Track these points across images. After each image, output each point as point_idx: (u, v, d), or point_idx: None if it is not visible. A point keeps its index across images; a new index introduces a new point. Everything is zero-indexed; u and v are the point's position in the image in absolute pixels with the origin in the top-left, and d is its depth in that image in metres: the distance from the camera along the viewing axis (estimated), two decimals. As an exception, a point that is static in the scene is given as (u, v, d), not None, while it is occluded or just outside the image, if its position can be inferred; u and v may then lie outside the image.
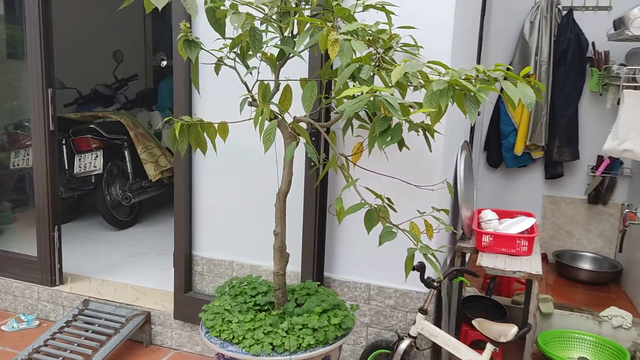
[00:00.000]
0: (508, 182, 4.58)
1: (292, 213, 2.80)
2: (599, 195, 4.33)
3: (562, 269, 4.20)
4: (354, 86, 1.70)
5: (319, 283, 2.37)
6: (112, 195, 4.78)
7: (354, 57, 1.68)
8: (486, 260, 2.87)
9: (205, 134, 2.08)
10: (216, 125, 2.08)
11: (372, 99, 1.53)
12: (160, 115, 5.67)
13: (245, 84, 2.07)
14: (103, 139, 4.63)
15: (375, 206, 1.87)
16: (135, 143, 4.85)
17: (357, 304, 2.39)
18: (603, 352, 3.16)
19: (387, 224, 1.83)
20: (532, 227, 3.08)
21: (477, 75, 1.77)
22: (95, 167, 4.53)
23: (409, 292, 2.73)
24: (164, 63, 5.58)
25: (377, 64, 1.78)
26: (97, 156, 4.55)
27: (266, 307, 2.16)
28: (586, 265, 4.26)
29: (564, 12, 4.19)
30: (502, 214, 3.30)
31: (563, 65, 4.14)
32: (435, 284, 2.60)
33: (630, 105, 3.52)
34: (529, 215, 3.26)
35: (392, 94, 1.53)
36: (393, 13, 1.94)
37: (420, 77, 1.70)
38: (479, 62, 3.73)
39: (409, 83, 1.72)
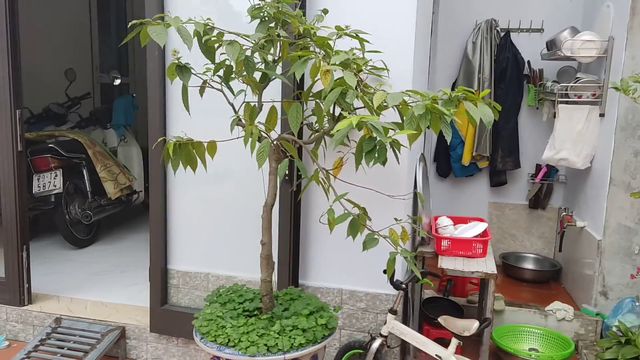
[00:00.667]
0: (456, 191, 4.91)
1: (275, 223, 2.98)
2: (538, 201, 4.72)
3: (508, 270, 4.54)
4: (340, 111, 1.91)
5: (301, 289, 2.54)
6: (72, 214, 4.77)
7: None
8: (446, 263, 3.12)
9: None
10: (205, 144, 2.22)
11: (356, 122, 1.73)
12: (115, 133, 5.68)
13: (232, 105, 2.24)
14: (62, 157, 4.63)
15: (356, 215, 2.07)
16: (94, 161, 4.86)
17: (339, 305, 2.57)
18: (550, 343, 3.48)
19: (370, 232, 2.02)
20: (484, 231, 3.37)
21: (442, 97, 2.01)
22: (55, 186, 4.52)
23: (379, 294, 2.94)
24: (118, 81, 5.64)
25: (358, 88, 1.99)
26: (56, 175, 4.54)
27: (255, 312, 2.31)
28: (529, 265, 4.63)
29: (502, 34, 4.57)
30: (456, 220, 3.57)
31: (503, 82, 4.51)
32: (404, 285, 2.83)
33: (565, 118, 3.91)
34: (481, 220, 3.55)
35: (377, 120, 1.74)
36: (367, 41, 2.15)
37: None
38: (428, 79, 4.03)
39: (384, 105, 1.93)
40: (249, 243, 3.06)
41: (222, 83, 2.26)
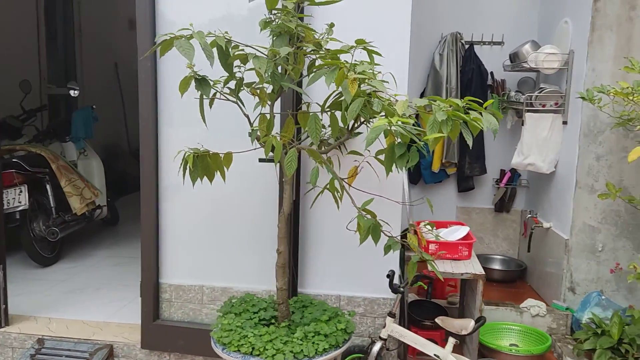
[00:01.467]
0: (426, 196, 5.06)
1: (264, 233, 3.02)
2: (503, 204, 4.96)
3: (477, 271, 4.74)
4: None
5: (309, 296, 2.58)
6: (36, 232, 4.59)
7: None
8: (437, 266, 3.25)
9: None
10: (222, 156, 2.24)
11: (392, 127, 1.81)
12: (74, 146, 5.50)
13: (247, 116, 2.27)
14: (26, 172, 4.45)
15: (375, 222, 2.15)
16: (58, 176, 4.70)
17: (353, 310, 2.62)
18: (528, 338, 3.67)
19: (390, 237, 2.11)
20: (467, 234, 3.53)
21: (450, 107, 2.13)
22: (20, 202, 4.34)
23: (377, 299, 3.02)
24: (76, 93, 5.49)
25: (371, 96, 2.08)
26: (21, 191, 4.36)
27: (272, 321, 2.33)
28: (497, 266, 4.85)
29: (467, 46, 4.79)
30: (437, 225, 3.71)
31: (469, 92, 4.71)
32: (401, 289, 2.92)
33: (531, 126, 4.15)
34: (461, 224, 3.70)
35: (411, 124, 1.83)
36: (379, 54, 2.24)
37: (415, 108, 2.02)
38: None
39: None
40: (244, 253, 3.10)
41: (232, 95, 2.28)
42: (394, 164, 1.94)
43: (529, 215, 4.56)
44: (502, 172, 4.93)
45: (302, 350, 2.10)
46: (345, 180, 2.27)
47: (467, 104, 2.13)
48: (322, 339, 2.17)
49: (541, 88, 4.18)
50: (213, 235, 3.12)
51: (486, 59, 4.79)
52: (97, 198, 5.11)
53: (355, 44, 2.12)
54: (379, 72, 2.38)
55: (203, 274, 3.17)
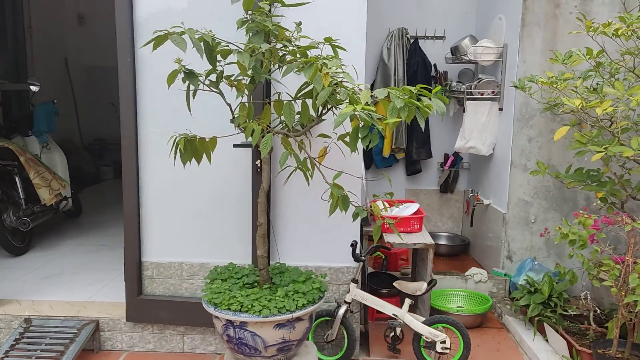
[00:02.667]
0: (378, 180, 5.47)
1: (238, 212, 3.33)
2: (447, 185, 5.44)
3: (426, 247, 5.20)
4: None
5: (284, 263, 2.93)
6: (7, 222, 4.72)
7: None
8: (391, 238, 3.65)
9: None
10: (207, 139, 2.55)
11: (357, 113, 2.18)
12: (37, 140, 5.61)
13: (229, 105, 2.58)
14: (-5, 165, 4.58)
15: (343, 193, 2.51)
16: (27, 168, 4.84)
17: (324, 274, 2.97)
18: (473, 301, 4.14)
19: (357, 206, 2.48)
20: (418, 210, 3.95)
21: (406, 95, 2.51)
22: (-10, 194, 4.47)
23: (341, 268, 3.38)
24: (36, 88, 5.60)
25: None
26: (-9, 183, 4.50)
27: (254, 285, 2.66)
28: (443, 241, 5.32)
29: (412, 40, 5.22)
30: (390, 203, 4.12)
31: (414, 83, 5.05)
32: (363, 258, 3.30)
33: (471, 112, 4.62)
34: (412, 202, 4.12)
35: (373, 111, 2.19)
36: (344, 49, 2.59)
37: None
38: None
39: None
40: (220, 232, 3.41)
41: (213, 86, 2.59)
42: (357, 144, 2.31)
43: (471, 194, 5.04)
44: (446, 156, 5.41)
45: (284, 305, 2.45)
46: (316, 159, 2.62)
47: (418, 90, 2.52)
48: (301, 296, 2.51)
49: (479, 78, 4.65)
50: (191, 216, 3.39)
51: (430, 52, 5.24)
52: (65, 189, 5.26)
53: (324, 41, 2.46)
54: (343, 65, 2.74)
55: (182, 252, 3.44)
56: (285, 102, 2.51)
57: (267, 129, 2.52)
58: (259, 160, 3.20)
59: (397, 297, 3.94)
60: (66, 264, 4.56)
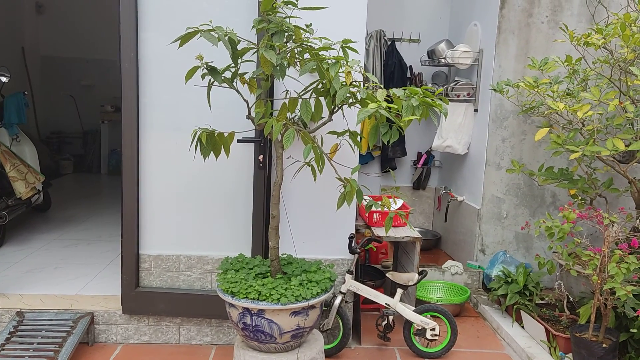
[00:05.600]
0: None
1: (237, 206, 3.41)
2: (419, 183, 5.67)
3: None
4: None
5: (291, 255, 3.04)
6: (-19, 216, 4.61)
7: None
8: (379, 232, 3.82)
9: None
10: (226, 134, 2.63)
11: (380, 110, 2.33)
12: (7, 132, 5.46)
13: (246, 101, 2.68)
14: (-30, 158, 4.46)
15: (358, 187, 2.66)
16: (2, 161, 4.74)
17: (332, 263, 3.10)
18: (451, 292, 4.37)
19: (369, 198, 2.63)
20: (403, 205, 4.14)
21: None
22: (-34, 187, 4.35)
23: (336, 260, 3.52)
24: (5, 79, 5.47)
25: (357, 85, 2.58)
26: (-33, 176, 4.38)
27: (267, 275, 2.76)
28: (416, 236, 5.54)
29: (389, 43, 5.41)
30: (375, 199, 4.28)
31: (392, 84, 5.35)
32: (358, 250, 3.45)
33: (448, 113, 4.84)
34: (396, 197, 4.30)
35: (394, 109, 2.35)
36: (356, 51, 2.72)
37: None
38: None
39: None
40: (218, 225, 3.48)
41: (227, 83, 2.67)
42: (374, 140, 2.47)
43: (444, 191, 5.29)
44: (419, 155, 5.64)
45: (300, 294, 2.56)
46: (327, 155, 2.75)
47: (424, 93, 2.69)
48: (315, 285, 2.64)
49: (456, 81, 4.89)
50: (189, 209, 3.44)
51: (405, 54, 5.45)
52: (39, 183, 5.16)
53: (340, 42, 2.60)
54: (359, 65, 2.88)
55: (180, 245, 3.48)
56: (301, 99, 2.63)
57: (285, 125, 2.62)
58: (261, 156, 3.30)
59: (381, 289, 4.13)
60: (45, 259, 4.49)
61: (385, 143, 2.55)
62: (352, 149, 2.89)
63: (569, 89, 3.72)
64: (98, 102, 8.98)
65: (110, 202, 6.64)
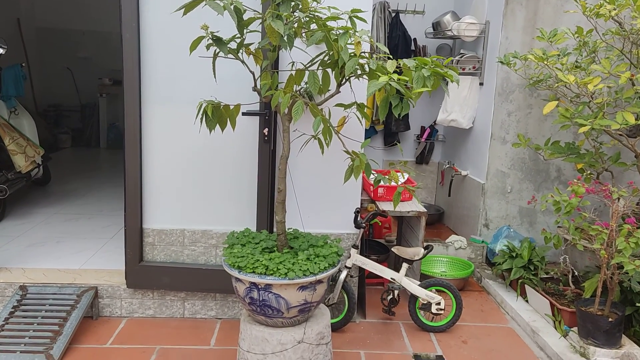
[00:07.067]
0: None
1: (241, 179, 3.37)
2: (423, 157, 5.63)
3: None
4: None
5: (297, 229, 3.01)
6: (-19, 190, 4.56)
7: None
8: (385, 206, 3.79)
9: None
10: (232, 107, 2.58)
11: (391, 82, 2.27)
12: (5, 105, 5.38)
13: (252, 73, 2.61)
14: (-32, 131, 4.39)
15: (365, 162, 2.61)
16: (1, 134, 4.67)
17: (339, 238, 3.07)
18: (455, 266, 4.36)
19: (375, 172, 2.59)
20: (408, 180, 4.10)
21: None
22: (-35, 160, 4.30)
23: (342, 234, 3.50)
24: (2, 51, 5.36)
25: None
26: (-34, 150, 4.32)
27: (273, 249, 2.74)
28: (419, 211, 5.52)
29: (393, 14, 5.31)
30: (382, 173, 4.24)
31: (395, 57, 5.23)
32: (363, 225, 3.42)
33: (453, 86, 4.77)
34: (398, 171, 4.26)
35: (407, 80, 2.29)
36: (364, 20, 2.65)
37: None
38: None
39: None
40: (222, 199, 3.44)
41: (232, 54, 2.60)
42: (385, 113, 2.41)
43: (447, 165, 5.25)
44: (422, 129, 5.58)
45: (308, 268, 2.54)
46: (335, 128, 2.70)
47: (434, 63, 2.62)
48: (322, 259, 2.61)
49: (461, 54, 4.81)
50: (193, 183, 3.40)
51: (409, 27, 5.36)
52: (39, 156, 5.10)
53: (349, 12, 2.52)
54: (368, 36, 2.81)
55: (184, 219, 3.45)
56: (309, 71, 2.56)
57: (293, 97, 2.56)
58: (266, 129, 3.25)
59: (385, 263, 4.12)
60: (47, 233, 4.46)
61: (397, 116, 2.48)
62: (360, 122, 2.82)
63: (577, 62, 3.66)
64: (96, 75, 8.85)
65: (110, 176, 6.59)
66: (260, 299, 2.57)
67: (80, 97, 9.16)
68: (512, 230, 4.43)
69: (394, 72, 2.39)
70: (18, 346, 3.01)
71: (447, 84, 2.48)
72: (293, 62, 2.87)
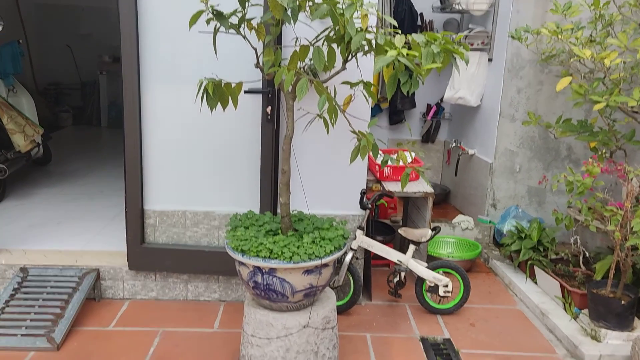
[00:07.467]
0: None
1: (243, 160, 3.29)
2: (429, 136, 5.52)
3: (409, 195, 5.31)
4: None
5: (302, 211, 2.93)
6: (-20, 170, 4.49)
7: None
8: (391, 187, 3.70)
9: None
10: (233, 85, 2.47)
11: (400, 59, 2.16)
12: (2, 83, 5.28)
13: (255, 49, 2.51)
14: (-34, 110, 4.30)
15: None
16: (0, 114, 4.57)
17: (344, 220, 2.99)
18: (462, 247, 4.29)
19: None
20: (414, 159, 4.00)
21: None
22: (-37, 140, 4.21)
23: (347, 215, 3.42)
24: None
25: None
26: (-37, 129, 4.23)
27: (277, 232, 2.66)
28: (425, 190, 5.43)
29: (399, -12, 5.16)
30: (386, 152, 4.15)
31: (402, 32, 5.11)
32: (369, 206, 3.34)
33: (462, 63, 4.64)
34: (405, 150, 4.17)
35: (416, 55, 2.18)
36: (371, -6, 2.53)
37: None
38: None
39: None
40: (224, 180, 3.36)
41: (234, 29, 2.49)
42: (393, 90, 2.31)
43: (454, 144, 5.14)
44: (429, 107, 5.46)
45: (313, 252, 2.46)
46: (340, 106, 2.59)
47: (444, 39, 2.51)
48: (328, 242, 2.53)
49: (470, 28, 4.67)
50: (195, 164, 3.31)
51: (416, 1, 5.19)
52: (38, 135, 5.01)
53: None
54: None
55: (186, 200, 3.37)
56: (314, 47, 2.45)
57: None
58: (269, 108, 3.15)
59: (390, 244, 4.04)
60: (47, 214, 4.40)
61: (405, 94, 2.38)
62: (367, 100, 2.71)
63: (592, 36, 3.53)
64: (96, 52, 8.71)
65: (111, 156, 6.50)
66: (265, 283, 2.50)
67: (80, 74, 9.04)
68: (520, 210, 4.34)
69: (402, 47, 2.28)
70: (19, 329, 2.97)
71: (455, 60, 2.36)
72: (297, 38, 2.75)
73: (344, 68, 2.59)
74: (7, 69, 5.26)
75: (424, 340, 3.14)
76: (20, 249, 3.61)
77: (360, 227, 3.33)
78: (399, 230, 3.48)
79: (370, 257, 3.61)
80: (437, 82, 5.36)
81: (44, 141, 5.55)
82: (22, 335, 2.93)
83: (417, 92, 5.38)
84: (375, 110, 5.36)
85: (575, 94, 3.41)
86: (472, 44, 4.60)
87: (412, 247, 3.40)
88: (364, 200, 3.31)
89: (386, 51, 2.26)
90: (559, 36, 3.34)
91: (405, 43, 2.34)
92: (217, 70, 2.66)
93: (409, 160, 3.97)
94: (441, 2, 4.94)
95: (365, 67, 2.92)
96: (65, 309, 3.08)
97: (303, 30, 2.73)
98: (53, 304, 3.12)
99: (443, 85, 5.04)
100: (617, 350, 2.97)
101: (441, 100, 5.30)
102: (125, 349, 2.94)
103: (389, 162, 2.74)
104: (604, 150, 3.39)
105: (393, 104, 5.32)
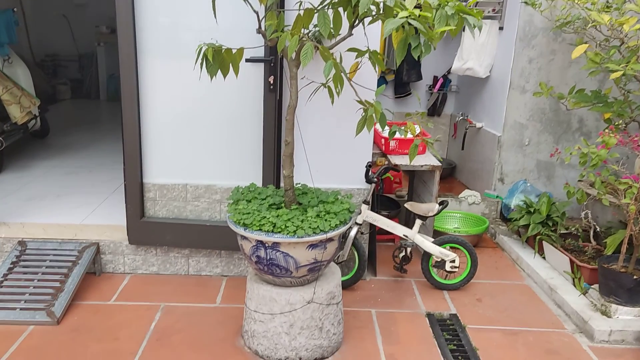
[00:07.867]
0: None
1: (244, 132, 3.18)
2: (435, 109, 5.39)
3: (414, 169, 5.21)
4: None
5: (306, 184, 2.83)
6: (-23, 142, 4.39)
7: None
8: (397, 160, 3.61)
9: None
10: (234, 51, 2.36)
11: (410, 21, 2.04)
12: (-4, 53, 5.15)
13: (257, 13, 2.38)
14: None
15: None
16: (-5, 84, 4.46)
17: (350, 194, 2.89)
18: (468, 222, 4.20)
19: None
20: (421, 132, 3.88)
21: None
22: (-42, 111, 4.11)
23: (352, 189, 3.32)
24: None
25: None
26: (-42, 100, 4.12)
27: (281, 206, 2.57)
28: (431, 164, 5.33)
29: (406, -45, 4.97)
30: (390, 124, 4.03)
31: (408, 0, 4.96)
32: (375, 180, 3.24)
33: (470, 32, 4.49)
34: (414, 124, 4.05)
35: (427, 18, 2.06)
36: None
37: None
38: None
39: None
40: (226, 152, 3.25)
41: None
42: (402, 55, 2.19)
43: (461, 117, 5.02)
44: (435, 79, 5.32)
45: (318, 226, 2.37)
46: (347, 75, 2.48)
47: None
48: (333, 216, 2.44)
49: (479, -4, 4.50)
50: (195, 136, 3.21)
51: (424, -32, 5.01)
52: (34, 107, 4.90)
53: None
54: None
55: (186, 173, 3.28)
56: (319, 11, 2.33)
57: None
58: (271, 77, 3.03)
59: (396, 219, 3.95)
60: (46, 187, 4.31)
61: (416, 59, 2.26)
62: (375, 69, 2.59)
63: (608, 2, 3.38)
64: (93, 23, 8.52)
65: (111, 128, 6.40)
66: (268, 257, 2.42)
67: (77, 46, 8.86)
68: (528, 184, 4.24)
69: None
70: (18, 303, 2.91)
71: (469, 23, 2.24)
72: (301, 2, 2.63)
73: (350, 34, 2.47)
74: (1, 38, 5.11)
75: (430, 315, 3.08)
76: (19, 222, 3.54)
77: (365, 202, 3.24)
78: (406, 205, 3.39)
79: (375, 232, 3.52)
80: (443, 54, 5.22)
81: (42, 113, 5.43)
82: (21, 309, 2.88)
83: (424, 64, 5.25)
84: (381, 82, 5.21)
85: (591, 63, 3.28)
86: (482, 12, 4.44)
87: (418, 222, 3.31)
88: (370, 173, 3.21)
89: (396, 13, 2.13)
90: (575, 1, 3.20)
91: (417, 5, 2.21)
92: (219, 42, 2.54)
93: (417, 132, 3.89)
94: (450, -31, 4.75)
95: (372, 33, 2.78)
96: (65, 283, 3.02)
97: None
98: (52, 278, 3.06)
99: (450, 56, 4.90)
100: (628, 326, 2.90)
101: (448, 72, 5.16)
102: (126, 323, 2.88)
103: (401, 135, 2.63)
104: (620, 121, 3.27)
105: (399, 76, 5.18)
